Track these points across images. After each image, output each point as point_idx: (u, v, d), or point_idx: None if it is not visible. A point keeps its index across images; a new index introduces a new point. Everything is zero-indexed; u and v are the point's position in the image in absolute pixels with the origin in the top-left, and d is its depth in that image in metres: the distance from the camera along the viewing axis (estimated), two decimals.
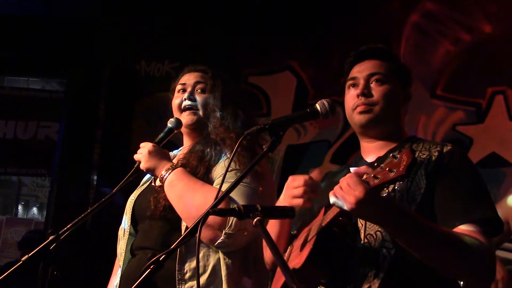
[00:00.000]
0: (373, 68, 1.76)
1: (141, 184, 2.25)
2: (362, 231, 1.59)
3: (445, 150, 1.61)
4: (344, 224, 1.56)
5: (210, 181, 1.97)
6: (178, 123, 2.15)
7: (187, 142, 2.23)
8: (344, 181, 1.37)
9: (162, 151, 2.05)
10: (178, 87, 2.25)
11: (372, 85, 1.74)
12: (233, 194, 1.80)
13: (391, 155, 1.33)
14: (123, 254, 2.10)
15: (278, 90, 5.27)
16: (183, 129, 2.19)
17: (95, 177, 5.06)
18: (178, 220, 1.93)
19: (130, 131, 5.13)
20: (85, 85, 5.31)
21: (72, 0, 5.34)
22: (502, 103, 4.70)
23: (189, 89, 2.20)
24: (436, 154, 1.60)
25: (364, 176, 1.36)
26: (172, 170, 1.96)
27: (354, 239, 1.60)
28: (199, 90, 2.20)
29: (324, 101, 1.58)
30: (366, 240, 1.57)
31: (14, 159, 6.09)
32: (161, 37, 5.30)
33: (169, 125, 2.15)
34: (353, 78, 1.78)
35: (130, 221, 2.11)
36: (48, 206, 5.49)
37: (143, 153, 2.02)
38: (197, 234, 1.31)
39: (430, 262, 1.46)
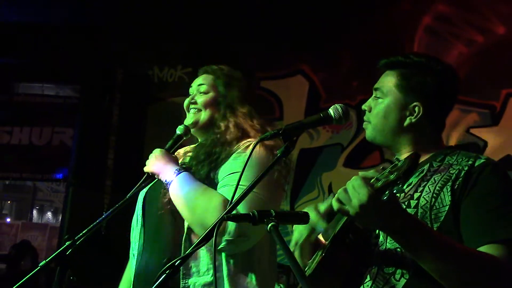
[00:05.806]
0: (379, 82, 1.73)
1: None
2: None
3: (476, 164, 1.53)
4: (358, 227, 1.56)
5: (214, 179, 1.99)
6: (187, 129, 2.18)
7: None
8: (350, 183, 1.36)
9: (169, 156, 2.07)
10: None
11: (375, 99, 1.72)
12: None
13: (395, 158, 1.33)
14: (136, 247, 2.11)
15: (290, 94, 5.29)
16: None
17: (110, 182, 5.10)
18: None
19: (144, 136, 5.17)
20: (99, 91, 5.37)
21: (86, 7, 5.39)
22: None
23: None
24: (466, 168, 1.53)
25: (371, 180, 1.36)
26: (177, 175, 1.98)
27: (370, 238, 1.58)
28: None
29: (338, 106, 1.57)
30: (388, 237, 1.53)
31: (29, 164, 6.16)
32: (174, 43, 5.34)
33: (177, 131, 2.18)
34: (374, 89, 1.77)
35: (142, 214, 2.13)
36: (64, 211, 5.55)
37: (150, 157, 2.07)
38: (213, 238, 1.32)
39: (437, 274, 1.40)
